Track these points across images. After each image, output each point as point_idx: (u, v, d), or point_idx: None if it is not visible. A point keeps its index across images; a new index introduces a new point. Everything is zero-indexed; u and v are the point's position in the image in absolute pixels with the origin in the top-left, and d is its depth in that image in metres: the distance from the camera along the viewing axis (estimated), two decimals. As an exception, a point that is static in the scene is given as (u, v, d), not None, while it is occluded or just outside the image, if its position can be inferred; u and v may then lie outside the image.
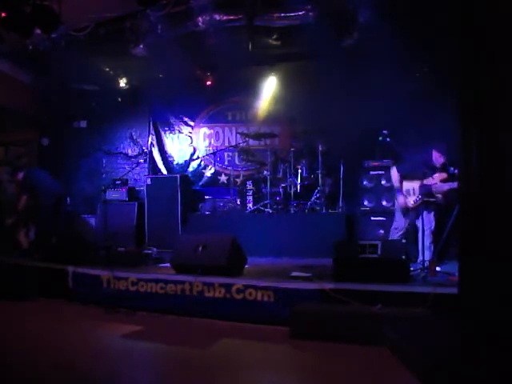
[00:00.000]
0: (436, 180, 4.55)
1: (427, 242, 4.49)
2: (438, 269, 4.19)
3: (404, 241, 4.12)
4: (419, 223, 4.61)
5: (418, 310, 3.22)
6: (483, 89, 2.59)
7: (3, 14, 4.76)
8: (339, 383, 2.60)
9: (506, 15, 2.49)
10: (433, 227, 4.60)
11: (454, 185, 4.35)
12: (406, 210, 4.77)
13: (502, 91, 2.51)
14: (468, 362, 2.29)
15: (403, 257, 3.73)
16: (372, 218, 5.89)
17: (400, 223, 4.86)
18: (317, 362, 2.95)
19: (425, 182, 4.64)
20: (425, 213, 4.57)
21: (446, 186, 4.46)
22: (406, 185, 4.76)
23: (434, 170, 4.63)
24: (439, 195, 4.52)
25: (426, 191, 4.59)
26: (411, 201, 4.69)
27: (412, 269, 4.06)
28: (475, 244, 2.64)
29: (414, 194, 4.69)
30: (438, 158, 4.68)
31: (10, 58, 7.32)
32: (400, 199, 4.77)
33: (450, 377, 2.22)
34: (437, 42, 5.55)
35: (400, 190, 4.78)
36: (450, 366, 2.28)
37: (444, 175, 4.53)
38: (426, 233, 4.49)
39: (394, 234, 4.85)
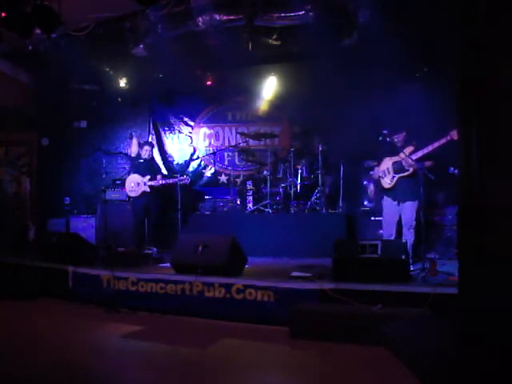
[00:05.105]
0: (406, 154, 4.55)
1: (410, 239, 4.47)
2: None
3: (404, 240, 4.13)
4: (402, 214, 4.64)
5: (418, 310, 3.22)
6: (483, 89, 2.59)
7: (3, 14, 4.75)
8: (339, 383, 2.60)
9: (507, 15, 2.49)
10: (413, 222, 4.56)
11: (419, 153, 4.45)
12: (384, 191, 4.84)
13: (502, 91, 2.51)
14: (467, 361, 2.29)
15: (403, 257, 3.74)
16: (372, 218, 5.88)
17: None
18: (317, 362, 2.95)
19: (396, 158, 4.70)
20: (408, 203, 4.59)
21: (414, 157, 4.48)
22: (382, 166, 4.83)
23: (399, 148, 4.66)
24: (410, 168, 4.55)
25: (398, 167, 4.68)
26: (387, 180, 4.74)
27: (412, 268, 4.06)
28: (475, 244, 2.64)
29: (389, 173, 4.75)
30: (398, 136, 4.74)
31: (10, 58, 7.31)
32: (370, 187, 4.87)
33: (449, 377, 2.23)
34: (437, 41, 5.55)
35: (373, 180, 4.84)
36: (450, 366, 2.28)
37: (411, 148, 4.56)
38: (405, 228, 4.57)
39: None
